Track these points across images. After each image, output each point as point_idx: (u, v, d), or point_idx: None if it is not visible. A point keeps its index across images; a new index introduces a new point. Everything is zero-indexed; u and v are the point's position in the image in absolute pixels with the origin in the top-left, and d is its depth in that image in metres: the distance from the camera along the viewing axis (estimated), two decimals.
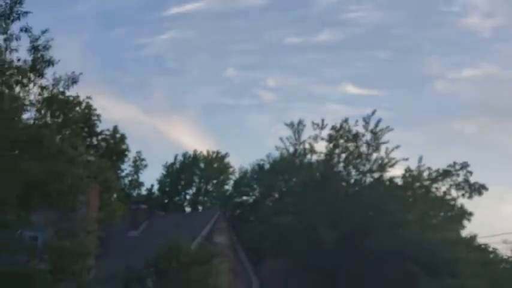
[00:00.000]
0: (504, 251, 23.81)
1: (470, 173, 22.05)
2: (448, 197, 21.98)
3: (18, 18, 12.22)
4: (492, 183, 23.95)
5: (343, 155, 21.50)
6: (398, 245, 20.55)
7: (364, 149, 21.18)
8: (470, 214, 22.77)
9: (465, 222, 23.16)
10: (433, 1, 51.67)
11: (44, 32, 12.50)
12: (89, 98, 15.86)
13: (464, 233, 23.01)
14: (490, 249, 23.46)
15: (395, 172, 21.98)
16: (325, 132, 22.00)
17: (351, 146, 21.46)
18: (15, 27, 12.44)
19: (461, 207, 22.15)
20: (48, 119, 13.80)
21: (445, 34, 48.03)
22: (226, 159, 31.80)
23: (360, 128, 21.64)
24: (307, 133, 22.51)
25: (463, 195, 21.81)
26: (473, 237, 22.60)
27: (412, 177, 21.26)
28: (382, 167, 21.14)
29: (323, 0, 53.69)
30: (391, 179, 21.37)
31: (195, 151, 32.27)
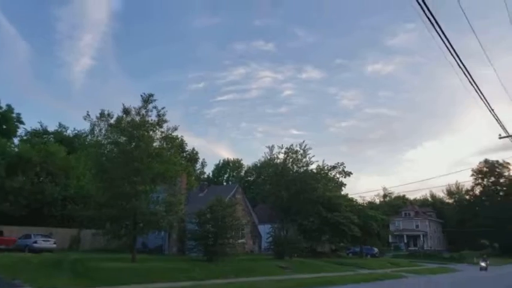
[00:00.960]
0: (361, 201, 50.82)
1: (345, 166, 47.23)
2: (335, 177, 47.59)
3: (151, 101, 26.00)
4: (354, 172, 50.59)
5: (291, 160, 47.09)
6: (314, 199, 46.31)
7: (299, 157, 46.70)
8: (344, 184, 49.06)
9: (343, 188, 49.47)
10: None
11: (163, 108, 25.11)
12: (182, 136, 41.21)
13: (342, 193, 49.70)
14: (353, 200, 50.36)
15: (313, 167, 46.76)
16: (283, 150, 47.62)
17: (293, 156, 47.04)
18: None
19: (341, 182, 48.13)
20: (164, 145, 26.71)
21: None
22: (241, 162, 60.45)
23: (298, 148, 47.18)
24: (275, 150, 48.16)
25: (342, 176, 47.50)
26: (346, 195, 49.22)
27: (320, 169, 46.67)
28: (307, 165, 46.57)
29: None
30: (311, 170, 46.83)
31: (228, 158, 61.01)
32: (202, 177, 56.64)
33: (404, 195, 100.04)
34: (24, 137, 49.27)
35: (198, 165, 54.99)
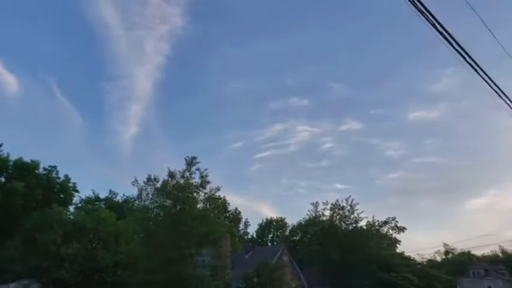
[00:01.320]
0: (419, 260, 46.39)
1: (397, 221, 44.56)
2: (388, 234, 44.68)
3: (194, 164, 28.61)
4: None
5: (338, 216, 45.34)
6: (367, 258, 43.36)
7: (346, 213, 44.90)
8: (399, 241, 45.70)
9: (397, 245, 46.10)
10: None
11: (205, 169, 25.84)
12: (224, 196, 40.79)
13: (397, 250, 46.12)
14: (411, 258, 46.12)
15: (362, 223, 44.39)
16: (328, 206, 46.10)
17: (340, 212, 45.33)
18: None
19: (395, 238, 44.91)
20: (208, 206, 27.62)
21: None
22: (285, 220, 59.01)
23: (344, 203, 45.50)
24: (320, 207, 46.74)
25: (395, 232, 44.53)
26: (401, 253, 45.47)
27: (370, 225, 44.33)
28: (356, 221, 44.52)
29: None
30: (360, 227, 44.56)
31: (271, 217, 59.97)
32: (246, 237, 55.53)
33: (469, 251, 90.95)
34: (79, 205, 51.85)
35: (241, 226, 54.57)
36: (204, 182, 26.06)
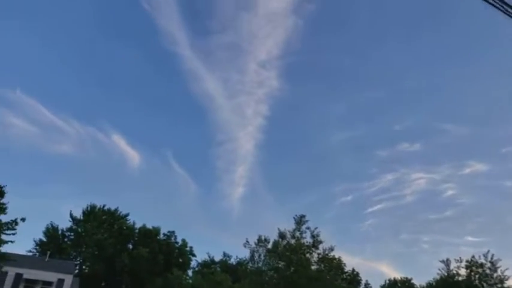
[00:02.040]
0: None
1: None
2: None
3: (303, 223, 29.20)
4: None
5: (477, 276, 38.26)
6: None
7: (487, 271, 37.68)
8: None
9: None
10: None
11: (316, 228, 26.36)
12: (339, 256, 38.00)
13: None
14: None
15: (509, 282, 36.63)
16: (463, 264, 39.42)
17: (479, 270, 38.26)
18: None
19: None
20: (322, 267, 27.70)
21: None
22: (411, 281, 52.30)
23: (483, 259, 38.47)
24: (453, 265, 40.25)
25: None
26: None
27: None
28: (501, 281, 36.92)
29: None
30: (508, 287, 36.61)
31: (394, 278, 54.23)
32: None
33: None
34: (196, 268, 53.71)
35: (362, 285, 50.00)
36: (316, 242, 25.01)
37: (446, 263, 38.44)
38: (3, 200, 20.61)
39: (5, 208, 20.47)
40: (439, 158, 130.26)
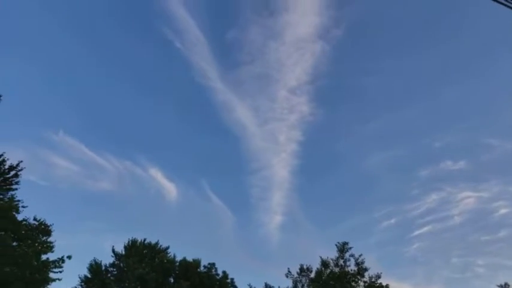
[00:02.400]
0: None
1: None
2: None
3: (347, 250, 31.44)
4: None
5: None
6: None
7: None
8: None
9: None
10: None
11: (360, 255, 25.66)
12: (387, 284, 36.10)
13: None
14: None
15: None
16: None
17: None
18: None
19: None
20: None
21: None
22: None
23: None
24: None
25: None
26: None
27: None
28: None
29: None
30: None
31: None
32: None
33: None
34: None
35: None
36: (360, 270, 23.94)
37: (505, 287, 35.64)
38: (51, 239, 21.32)
39: (52, 246, 21.12)
40: (486, 174, 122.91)
